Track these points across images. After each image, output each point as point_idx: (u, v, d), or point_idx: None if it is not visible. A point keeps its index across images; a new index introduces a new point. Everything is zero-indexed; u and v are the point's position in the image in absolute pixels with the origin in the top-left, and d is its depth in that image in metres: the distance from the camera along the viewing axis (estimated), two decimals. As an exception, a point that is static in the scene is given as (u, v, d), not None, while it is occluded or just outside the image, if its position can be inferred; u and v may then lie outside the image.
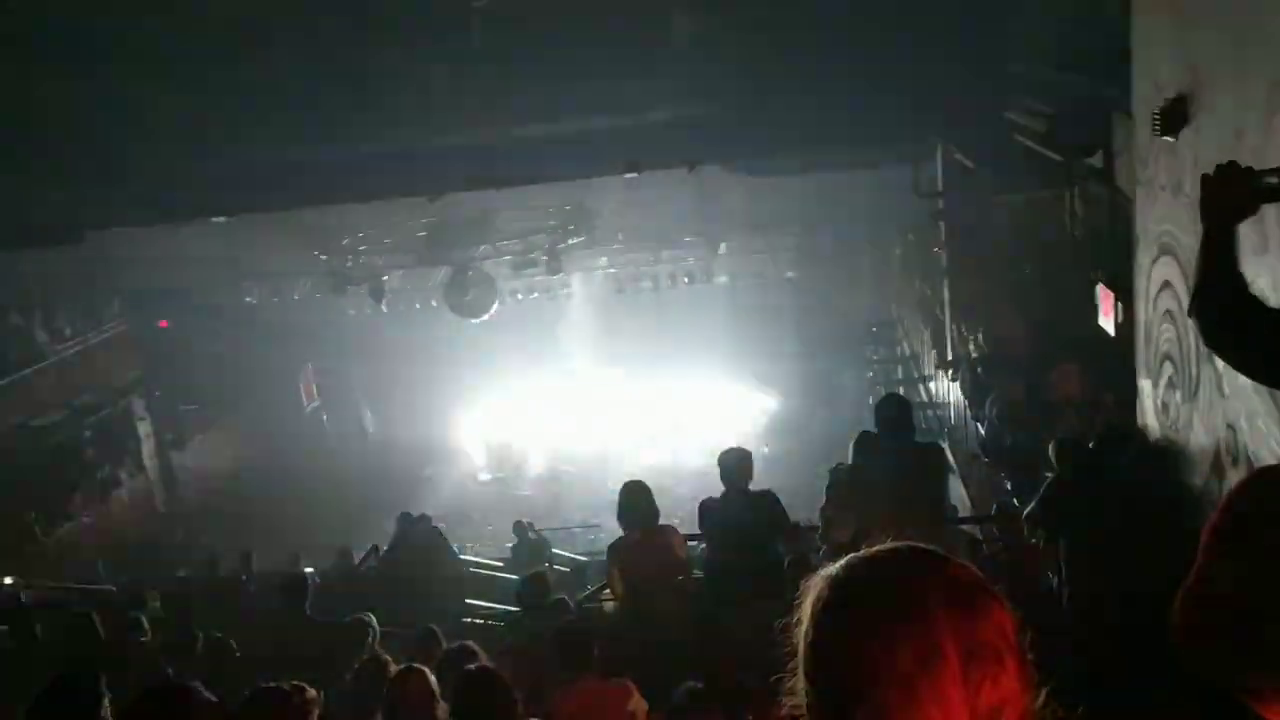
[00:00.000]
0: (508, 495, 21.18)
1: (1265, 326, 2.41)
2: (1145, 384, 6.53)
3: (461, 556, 12.68)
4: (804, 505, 7.99)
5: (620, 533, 6.60)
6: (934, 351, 14.72)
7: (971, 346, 11.38)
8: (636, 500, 6.54)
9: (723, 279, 21.91)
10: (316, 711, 4.21)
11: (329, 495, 20.75)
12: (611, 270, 21.58)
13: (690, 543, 6.92)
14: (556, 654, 5.24)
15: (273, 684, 4.19)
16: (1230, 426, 5.07)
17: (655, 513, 6.56)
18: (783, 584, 5.99)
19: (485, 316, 20.76)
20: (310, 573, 10.94)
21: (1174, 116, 5.44)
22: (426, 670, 4.58)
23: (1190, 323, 5.46)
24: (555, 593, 7.28)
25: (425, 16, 12.80)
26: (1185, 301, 5.58)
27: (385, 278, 20.26)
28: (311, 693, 4.22)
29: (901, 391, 15.97)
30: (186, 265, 19.52)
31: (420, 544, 11.95)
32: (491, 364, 22.49)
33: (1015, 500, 7.94)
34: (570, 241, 20.41)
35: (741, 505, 6.58)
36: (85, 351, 18.78)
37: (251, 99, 12.86)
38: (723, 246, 21.44)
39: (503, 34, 12.80)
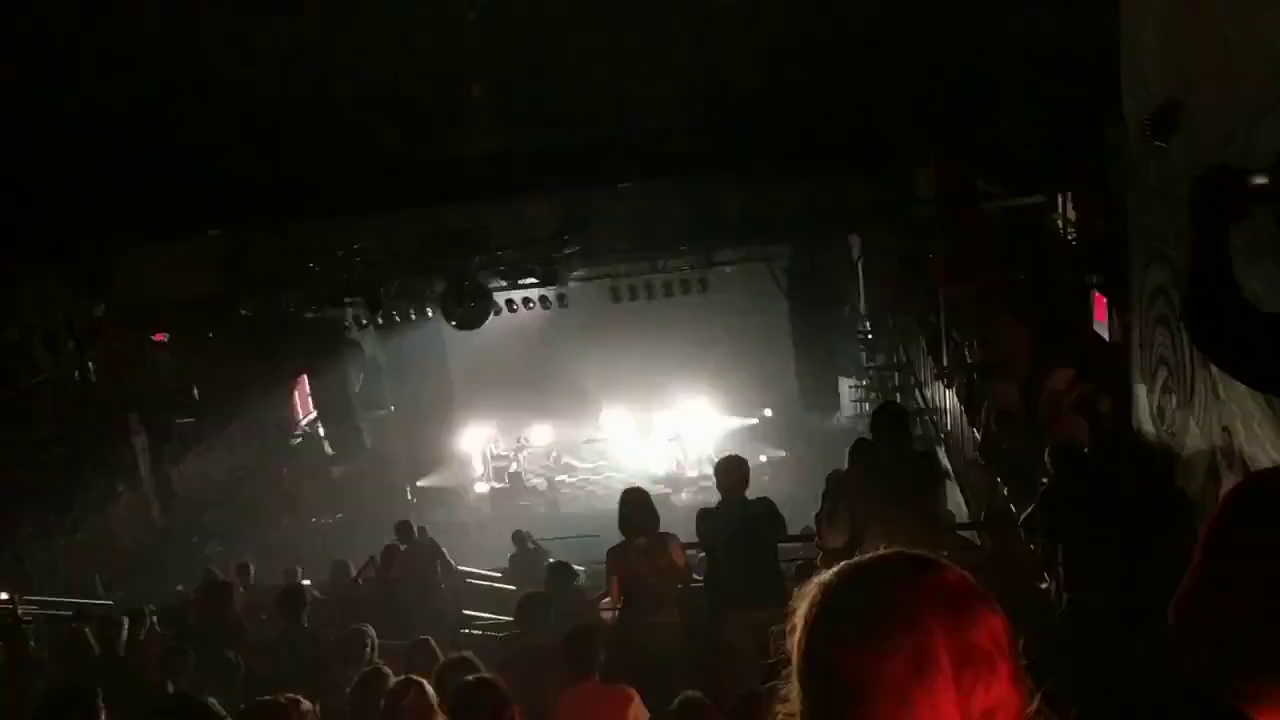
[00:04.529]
0: (505, 506, 21.15)
1: (1258, 331, 2.40)
2: (1140, 389, 6.53)
3: (459, 568, 12.66)
4: (801, 513, 7.98)
5: (620, 539, 6.59)
6: (930, 358, 14.73)
7: (967, 353, 11.39)
8: (637, 507, 6.54)
9: (719, 288, 21.90)
10: (314, 724, 4.19)
11: (326, 508, 20.73)
12: (608, 280, 21.57)
13: (689, 551, 6.90)
14: (563, 655, 5.24)
15: (270, 696, 4.18)
16: (1226, 430, 5.07)
17: (656, 520, 6.55)
18: (780, 592, 5.98)
19: (481, 327, 20.75)
20: (307, 585, 10.94)
21: (1165, 121, 5.45)
22: (425, 682, 4.57)
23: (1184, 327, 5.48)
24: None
25: (419, 25, 12.83)
26: (1179, 306, 5.60)
27: (380, 289, 20.24)
28: (308, 705, 4.21)
29: (898, 398, 16.01)
30: (181, 278, 19.51)
31: (418, 556, 11.94)
32: (488, 375, 22.46)
33: (1011, 506, 7.95)
34: (566, 252, 20.41)
35: (739, 513, 6.58)
36: (82, 366, 18.74)
37: (247, 111, 12.87)
38: (719, 255, 21.47)
39: (496, 42, 12.83)
